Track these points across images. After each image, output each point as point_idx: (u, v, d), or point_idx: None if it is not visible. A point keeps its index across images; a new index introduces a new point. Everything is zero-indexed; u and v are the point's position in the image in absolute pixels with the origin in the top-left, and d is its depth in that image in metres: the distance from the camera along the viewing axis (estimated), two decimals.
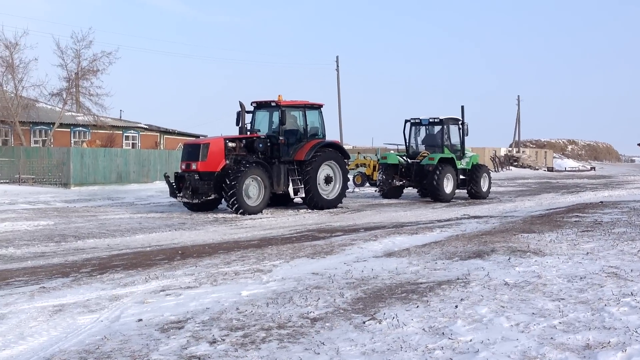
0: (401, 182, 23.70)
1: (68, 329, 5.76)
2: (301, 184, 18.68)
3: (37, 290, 7.40)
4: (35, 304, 6.69)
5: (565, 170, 70.62)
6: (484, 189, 23.99)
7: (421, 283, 7.45)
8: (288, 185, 18.59)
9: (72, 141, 37.77)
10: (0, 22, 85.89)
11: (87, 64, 35.96)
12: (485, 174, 24.08)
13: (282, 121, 18.43)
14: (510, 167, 65.21)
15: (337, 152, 19.71)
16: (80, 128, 38.31)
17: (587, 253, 9.23)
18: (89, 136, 38.57)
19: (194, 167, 17.44)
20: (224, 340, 5.31)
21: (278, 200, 19.43)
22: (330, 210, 18.83)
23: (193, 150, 17.85)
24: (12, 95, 33.90)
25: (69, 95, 36.49)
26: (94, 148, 32.89)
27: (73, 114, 38.24)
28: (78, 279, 8.11)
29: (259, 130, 19.36)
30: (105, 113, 37.47)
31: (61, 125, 36.14)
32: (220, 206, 18.57)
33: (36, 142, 36.35)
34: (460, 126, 24.02)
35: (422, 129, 24.49)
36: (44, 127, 36.53)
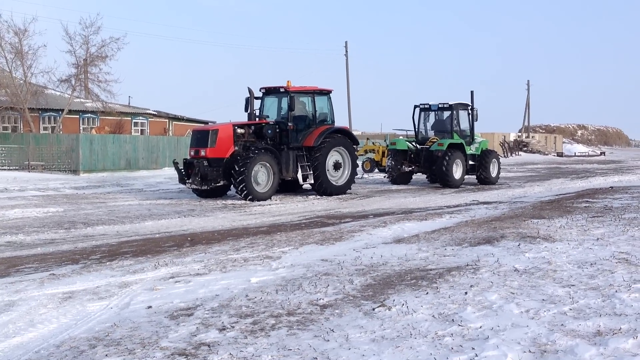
0: (410, 168, 23.64)
1: (78, 316, 5.78)
2: (310, 170, 18.65)
3: (47, 277, 7.42)
4: (45, 291, 6.72)
5: (575, 156, 70.21)
6: (493, 174, 23.91)
7: (430, 269, 7.43)
8: (297, 171, 18.57)
9: (81, 128, 37.82)
10: (10, 8, 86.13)
11: (96, 50, 35.98)
12: (494, 160, 23.99)
13: (291, 107, 18.37)
14: (520, 153, 64.90)
15: (346, 138, 19.66)
16: (89, 114, 38.36)
17: (598, 239, 9.18)
18: (98, 122, 38.62)
19: (202, 153, 17.43)
20: (233, 327, 5.31)
21: (287, 187, 19.42)
22: (339, 196, 18.81)
23: (202, 136, 17.84)
24: (22, 81, 33.96)
25: (78, 82, 36.52)
26: (103, 134, 32.95)
27: (82, 100, 38.28)
28: (87, 265, 8.14)
29: (268, 116, 19.32)
30: (114, 99, 37.55)
31: (70, 111, 36.20)
32: (229, 192, 18.57)
33: (45, 128, 36.43)
34: (470, 111, 23.90)
35: (432, 115, 24.39)
36: (53, 113, 36.60)
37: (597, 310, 5.51)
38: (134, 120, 40.89)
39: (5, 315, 5.80)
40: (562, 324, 5.15)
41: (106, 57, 35.98)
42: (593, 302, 5.78)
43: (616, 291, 6.12)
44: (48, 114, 36.61)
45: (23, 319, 5.71)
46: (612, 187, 19.92)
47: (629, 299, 5.82)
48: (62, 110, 35.64)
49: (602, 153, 75.64)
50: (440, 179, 22.44)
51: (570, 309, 5.56)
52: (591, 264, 7.43)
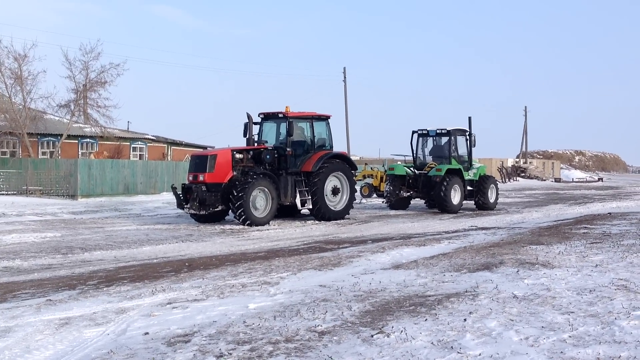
0: (408, 193, 23.65)
1: (74, 343, 5.73)
2: (308, 195, 18.65)
3: (44, 302, 7.38)
4: (41, 316, 6.68)
5: (573, 181, 70.32)
6: (492, 200, 23.92)
7: (429, 296, 7.40)
8: (295, 196, 18.58)
9: (79, 152, 37.86)
10: (10, 34, 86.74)
11: (95, 76, 36.14)
12: (492, 185, 24.03)
13: (289, 132, 18.43)
14: (518, 178, 64.97)
15: (344, 164, 19.70)
16: (88, 139, 38.43)
17: (596, 265, 9.15)
18: (97, 147, 38.68)
19: (201, 178, 17.45)
20: (230, 354, 5.27)
21: (285, 212, 19.40)
22: (338, 221, 18.80)
23: (200, 161, 17.87)
24: (21, 107, 34.07)
25: (77, 107, 36.64)
26: (102, 159, 32.98)
27: (81, 125, 38.37)
28: (85, 291, 8.10)
29: (267, 142, 19.38)
30: (113, 124, 37.65)
31: (69, 136, 36.27)
32: (227, 217, 18.55)
33: (44, 153, 36.46)
34: (468, 137, 23.97)
35: (430, 140, 24.46)
36: (51, 138, 36.66)
37: (597, 338, 5.48)
38: (132, 145, 40.96)
39: (1, 342, 5.76)
40: (561, 352, 5.12)
41: (105, 83, 36.17)
42: (592, 329, 5.75)
43: (615, 318, 6.10)
44: (47, 139, 36.67)
45: (19, 345, 5.66)
46: (610, 214, 19.93)
47: (629, 326, 5.79)
48: (61, 135, 35.71)
49: (600, 179, 75.77)
50: (439, 205, 22.44)
51: (570, 336, 5.54)
52: (590, 290, 7.41)
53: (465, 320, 6.14)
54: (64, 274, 9.54)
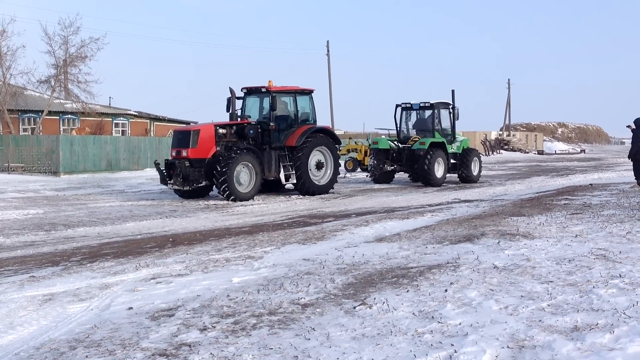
0: (392, 167, 23.73)
1: (58, 318, 5.75)
2: (292, 170, 18.67)
3: (27, 279, 7.38)
4: (24, 293, 6.68)
5: (556, 153, 70.82)
6: (475, 172, 24.07)
7: (411, 267, 7.48)
8: (279, 171, 18.58)
9: (61, 129, 37.53)
10: None
11: (75, 51, 35.78)
12: (475, 158, 24.16)
13: (272, 107, 18.38)
14: (501, 151, 65.32)
15: (328, 138, 19.70)
16: (69, 115, 38.08)
17: (576, 235, 9.27)
18: (78, 124, 38.35)
19: (184, 154, 17.39)
20: (214, 327, 5.32)
21: (269, 187, 19.42)
22: (322, 196, 18.84)
23: (183, 137, 17.79)
24: (0, 83, 33.65)
25: (58, 83, 36.28)
26: (84, 135, 32.74)
27: (62, 101, 38.00)
28: (68, 267, 8.09)
29: (250, 117, 19.32)
30: (94, 100, 37.33)
31: (50, 112, 35.92)
32: (211, 193, 18.54)
33: (25, 130, 36.12)
34: (451, 110, 24.01)
35: (413, 114, 24.49)
36: (32, 114, 36.29)
37: (575, 306, 5.58)
38: (114, 121, 40.64)
39: None
40: (540, 320, 5.21)
41: (86, 58, 35.82)
42: (571, 298, 5.85)
43: (594, 287, 6.20)
44: (28, 115, 36.30)
45: (2, 321, 5.67)
46: (591, 185, 20.13)
47: (606, 295, 5.90)
48: (42, 111, 35.36)
49: (582, 151, 76.40)
50: (422, 178, 22.54)
51: (549, 305, 5.63)
52: (569, 260, 7.52)
53: (446, 290, 6.22)
54: (47, 251, 9.52)
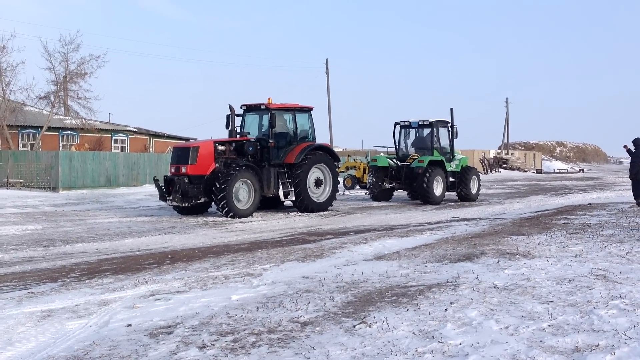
0: (391, 185, 23.74)
1: (56, 335, 5.72)
2: (291, 187, 18.67)
3: (25, 295, 7.35)
4: (23, 309, 6.65)
5: (554, 172, 70.91)
6: (474, 191, 24.07)
7: (411, 286, 7.46)
8: (278, 188, 18.58)
9: (60, 145, 37.58)
10: None
11: (75, 67, 35.93)
12: (474, 176, 24.18)
13: (272, 124, 18.42)
14: (500, 169, 65.40)
15: (327, 155, 19.72)
16: (69, 131, 38.13)
17: (576, 255, 9.26)
18: (78, 140, 38.40)
19: (183, 170, 17.40)
20: (213, 345, 5.29)
21: (268, 204, 19.41)
22: (321, 213, 18.83)
23: (183, 153, 17.81)
24: (0, 98, 33.71)
25: (57, 99, 36.39)
26: (83, 151, 32.75)
27: (61, 117, 38.08)
28: (66, 284, 8.06)
29: (249, 134, 19.35)
30: (94, 116, 37.42)
31: (49, 128, 35.97)
32: (210, 209, 18.53)
33: (24, 145, 36.15)
34: (450, 129, 24.08)
35: (412, 132, 24.55)
36: (32, 130, 36.34)
37: (576, 327, 5.56)
38: (114, 137, 40.71)
39: None
40: (540, 340, 5.19)
41: (86, 74, 35.97)
42: (571, 318, 5.83)
43: (594, 307, 6.18)
44: (27, 131, 36.35)
45: (1, 337, 5.64)
46: (590, 204, 20.13)
47: (607, 315, 5.88)
48: (41, 127, 35.41)
49: (581, 170, 76.48)
50: (421, 196, 22.54)
51: (549, 325, 5.61)
52: (570, 280, 7.50)
53: (446, 310, 6.20)
54: (45, 267, 9.49)
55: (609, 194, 27.62)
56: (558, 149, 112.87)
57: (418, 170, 22.39)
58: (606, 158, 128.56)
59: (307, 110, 19.96)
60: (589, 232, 12.00)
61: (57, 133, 37.71)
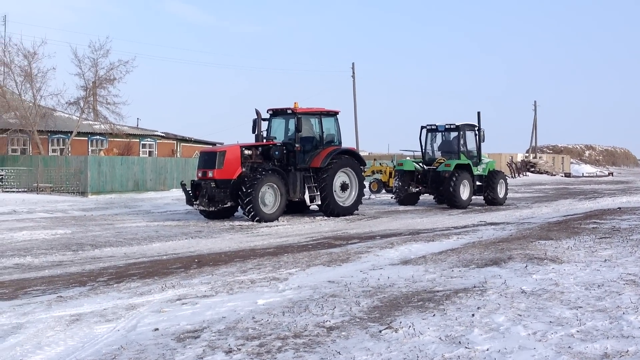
0: (417, 189, 23.63)
1: (85, 339, 5.79)
2: (317, 191, 18.68)
3: (55, 299, 7.45)
4: (52, 313, 6.74)
5: (583, 176, 70.06)
6: (501, 195, 23.86)
7: (438, 291, 7.42)
8: (304, 192, 18.60)
9: (89, 150, 38.06)
10: (20, 32, 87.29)
11: (104, 73, 36.32)
12: (501, 180, 23.95)
13: (298, 128, 18.46)
14: (527, 173, 64.80)
15: (353, 159, 19.70)
16: (98, 136, 38.60)
17: (605, 260, 9.14)
18: (106, 144, 38.86)
19: (210, 174, 17.49)
20: (239, 349, 5.31)
21: (294, 208, 19.44)
22: (347, 217, 18.81)
23: (209, 158, 17.91)
24: (31, 104, 34.27)
25: (86, 104, 36.84)
26: (111, 156, 33.11)
27: (90, 122, 38.56)
28: (95, 287, 8.16)
29: (275, 138, 19.40)
30: (122, 121, 37.80)
31: (79, 134, 36.45)
32: (236, 214, 18.61)
33: (54, 150, 36.67)
34: (477, 132, 23.92)
35: (438, 135, 24.43)
36: (61, 135, 36.85)
37: (605, 333, 5.49)
38: (142, 142, 41.12)
39: (13, 338, 5.82)
40: (569, 347, 5.13)
41: (115, 80, 36.34)
42: (600, 324, 5.76)
43: (624, 313, 6.10)
44: (57, 136, 36.87)
45: (30, 341, 5.72)
46: (620, 208, 19.86)
47: (637, 321, 5.80)
48: (71, 132, 35.89)
49: (610, 173, 75.49)
50: (448, 200, 22.41)
51: (578, 331, 5.55)
52: (599, 285, 7.41)
53: (473, 315, 6.16)
54: (74, 271, 9.61)
55: (639, 198, 27.21)
56: (587, 153, 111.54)
57: (445, 174, 22.27)
58: (636, 161, 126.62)
59: (333, 114, 19.97)
60: (618, 237, 11.83)
61: (86, 138, 38.20)
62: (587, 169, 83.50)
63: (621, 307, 6.33)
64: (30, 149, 35.69)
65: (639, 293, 6.94)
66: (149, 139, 41.71)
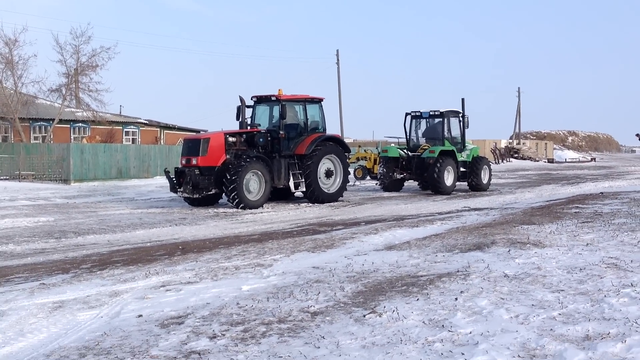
0: (402, 175, 23.70)
1: (68, 326, 5.76)
2: (302, 178, 18.67)
3: (37, 286, 7.40)
4: (35, 300, 6.70)
5: (566, 162, 70.56)
6: (485, 181, 23.99)
7: (421, 276, 7.45)
8: (289, 179, 18.58)
9: (71, 137, 37.75)
10: (0, 19, 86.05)
11: (86, 60, 35.96)
12: (485, 166, 24.08)
13: (282, 115, 18.41)
14: (511, 159, 65.16)
15: (337, 146, 19.70)
16: (80, 124, 38.29)
17: (587, 244, 9.22)
18: (89, 132, 38.56)
19: (194, 162, 17.43)
20: (224, 335, 5.31)
21: (279, 195, 19.43)
22: (331, 204, 18.83)
23: (193, 145, 17.84)
24: (12, 91, 33.91)
25: (68, 91, 36.48)
26: (94, 144, 32.87)
27: (72, 110, 38.22)
28: (78, 275, 8.11)
29: (260, 125, 19.35)
30: (105, 109, 37.50)
31: (61, 121, 36.13)
32: (220, 201, 18.56)
33: (36, 138, 36.34)
34: (461, 119, 24.01)
35: (423, 122, 24.48)
36: (43, 123, 36.51)
37: (586, 315, 5.54)
38: (125, 130, 40.84)
39: None
40: (551, 329, 5.17)
41: (97, 67, 35.99)
42: (582, 306, 5.81)
43: (605, 296, 6.16)
44: (39, 123, 36.53)
45: (13, 328, 5.69)
46: (602, 193, 20.02)
47: (618, 304, 5.85)
48: (53, 119, 35.57)
49: (593, 159, 76.07)
50: (432, 186, 22.50)
51: (560, 314, 5.59)
52: (580, 269, 7.47)
53: (456, 299, 6.20)
54: (57, 258, 9.55)
55: (621, 183, 27.46)
56: (570, 138, 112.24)
57: (429, 161, 22.34)
58: (618, 147, 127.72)
59: (318, 101, 19.94)
60: (600, 221, 11.94)
61: (69, 125, 37.88)
62: (570, 154, 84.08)
63: (602, 290, 6.39)
64: (12, 137, 35.35)
65: (620, 276, 7.01)
66: (132, 127, 41.44)
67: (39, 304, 6.55)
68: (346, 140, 30.04)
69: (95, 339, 5.32)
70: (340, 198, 19.76)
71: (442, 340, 4.99)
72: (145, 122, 42.48)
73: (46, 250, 10.46)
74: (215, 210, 17.06)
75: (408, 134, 24.27)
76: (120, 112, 43.90)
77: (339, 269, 8.00)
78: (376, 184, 25.72)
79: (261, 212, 16.50)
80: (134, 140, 41.01)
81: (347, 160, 20.48)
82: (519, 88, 79.13)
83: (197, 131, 40.92)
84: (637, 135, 18.92)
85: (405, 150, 23.91)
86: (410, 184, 25.61)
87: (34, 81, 35.10)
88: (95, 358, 4.83)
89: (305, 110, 19.38)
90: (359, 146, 38.91)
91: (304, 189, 18.82)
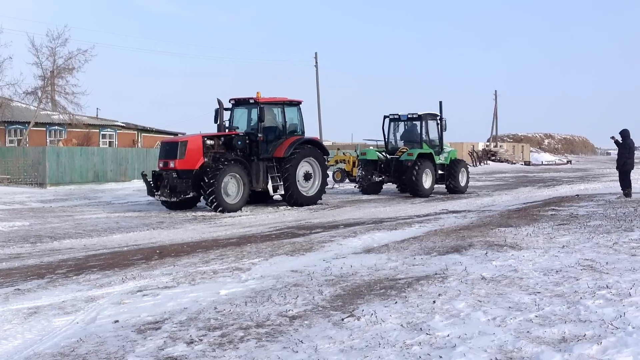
0: (380, 178, 23.75)
1: (43, 332, 5.69)
2: (280, 181, 18.63)
3: (12, 292, 7.31)
4: (9, 306, 6.61)
5: (542, 164, 71.15)
6: (462, 183, 24.13)
7: (400, 279, 7.47)
8: (267, 182, 18.54)
9: (47, 140, 37.33)
10: None
11: (63, 62, 35.51)
12: (463, 169, 24.22)
13: (260, 118, 18.37)
14: (488, 162, 65.58)
15: (316, 149, 19.69)
16: (56, 127, 37.89)
17: (563, 246, 9.31)
18: (65, 135, 38.16)
19: (172, 165, 17.33)
20: (201, 340, 5.28)
21: (257, 198, 19.37)
22: (310, 207, 18.82)
23: (171, 148, 17.74)
24: None
25: (44, 94, 36.04)
26: (70, 147, 32.51)
27: (48, 112, 37.78)
28: (53, 280, 8.02)
29: (238, 128, 19.29)
30: (82, 111, 37.08)
31: (36, 124, 35.71)
32: (198, 204, 18.48)
33: (11, 141, 35.89)
34: (439, 122, 24.12)
35: (401, 125, 24.58)
36: (19, 126, 36.08)
37: (563, 317, 5.59)
38: (102, 132, 40.48)
39: None
40: (527, 331, 5.21)
41: (73, 69, 35.54)
42: (558, 309, 5.86)
43: (581, 298, 6.22)
44: (14, 126, 36.09)
45: None
46: (578, 195, 20.23)
47: (594, 306, 5.91)
48: (29, 122, 35.14)
49: (569, 161, 76.80)
50: (410, 189, 22.57)
51: (536, 316, 5.63)
52: (557, 271, 7.54)
53: (434, 302, 6.22)
54: (32, 263, 9.43)
55: (596, 185, 27.77)
56: (546, 141, 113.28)
57: (407, 163, 22.41)
58: (594, 149, 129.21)
59: (296, 104, 19.93)
60: (576, 223, 12.06)
61: (45, 129, 37.46)
62: (547, 157, 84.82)
63: (578, 292, 6.45)
64: None
65: (596, 278, 7.08)
66: (109, 129, 41.09)
67: (13, 309, 6.47)
68: (325, 143, 30.11)
69: (71, 345, 5.26)
70: (319, 201, 19.76)
71: (420, 343, 5.00)
72: (123, 124, 42.15)
73: (21, 255, 10.33)
74: (194, 213, 16.97)
75: (386, 137, 24.35)
76: (97, 115, 43.57)
77: (317, 273, 7.99)
78: (355, 186, 25.72)
79: (240, 216, 16.44)
80: (111, 144, 40.68)
81: (326, 163, 20.48)
82: (495, 91, 79.60)
83: (175, 134, 40.71)
84: (612, 138, 19.07)
85: (383, 153, 23.97)
86: (389, 186, 25.67)
87: (9, 84, 34.60)
88: None
89: (283, 113, 19.37)
90: (338, 149, 38.86)
91: (283, 192, 18.78)
